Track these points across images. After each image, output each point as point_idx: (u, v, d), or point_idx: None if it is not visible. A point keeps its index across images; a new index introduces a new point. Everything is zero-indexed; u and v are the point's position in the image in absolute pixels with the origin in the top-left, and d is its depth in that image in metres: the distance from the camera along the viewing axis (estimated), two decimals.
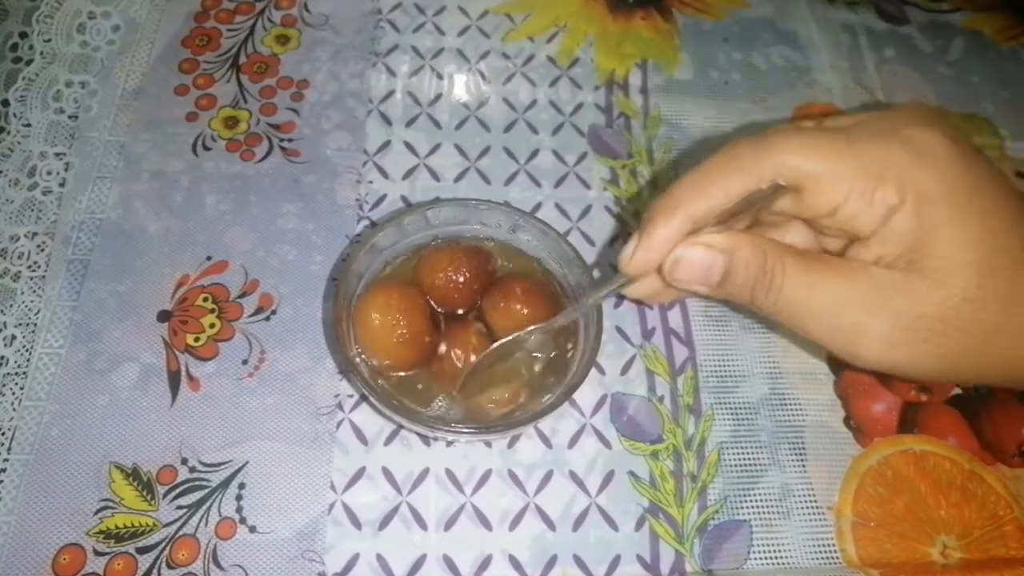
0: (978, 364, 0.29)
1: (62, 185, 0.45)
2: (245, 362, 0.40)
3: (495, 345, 0.36)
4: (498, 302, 0.37)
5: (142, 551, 0.35)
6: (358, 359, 0.36)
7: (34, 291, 0.41)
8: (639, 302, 0.44)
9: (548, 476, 0.39)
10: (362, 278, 0.38)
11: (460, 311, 0.39)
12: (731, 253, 0.29)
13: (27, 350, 0.39)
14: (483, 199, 0.41)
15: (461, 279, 0.37)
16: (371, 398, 0.35)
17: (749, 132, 0.52)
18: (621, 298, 0.44)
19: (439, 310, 0.39)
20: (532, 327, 0.36)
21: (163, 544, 0.35)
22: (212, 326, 0.41)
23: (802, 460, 0.41)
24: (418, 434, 0.39)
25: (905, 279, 0.28)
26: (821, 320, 0.29)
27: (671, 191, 0.30)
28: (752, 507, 0.39)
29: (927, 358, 0.28)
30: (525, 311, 0.36)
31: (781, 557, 0.38)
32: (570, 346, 0.37)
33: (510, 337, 0.36)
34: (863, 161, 0.28)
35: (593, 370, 0.41)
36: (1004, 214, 0.28)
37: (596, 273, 0.45)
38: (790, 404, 0.43)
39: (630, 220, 0.47)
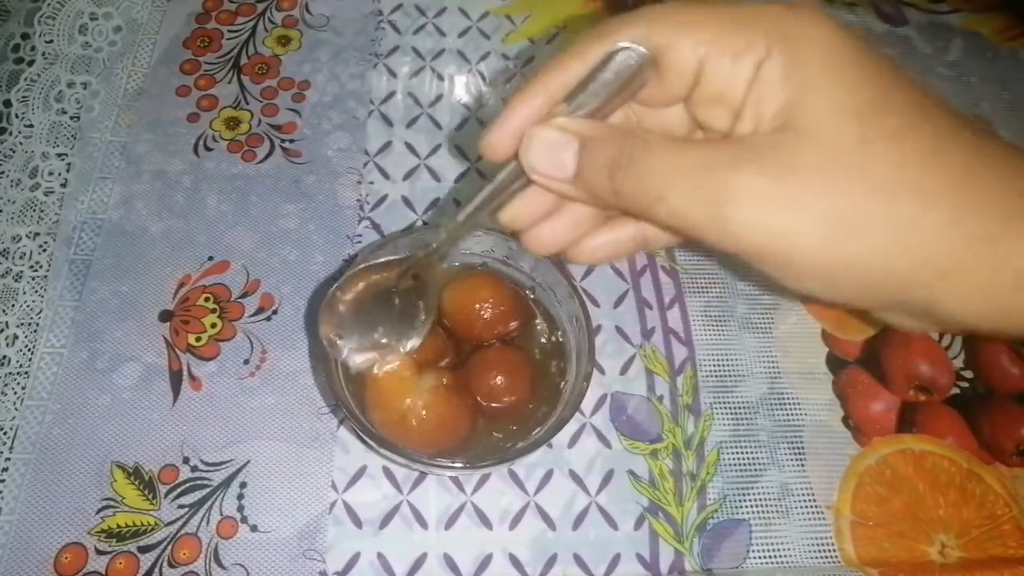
0: (875, 244, 0.23)
1: (64, 185, 0.45)
2: (246, 362, 0.40)
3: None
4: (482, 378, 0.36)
5: (144, 550, 0.35)
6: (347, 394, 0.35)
7: (36, 291, 0.41)
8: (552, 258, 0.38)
9: (548, 475, 0.39)
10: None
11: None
12: (585, 134, 0.26)
13: (29, 350, 0.40)
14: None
15: (487, 314, 0.37)
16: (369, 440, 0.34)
17: None
18: (500, 234, 0.39)
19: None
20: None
21: (165, 543, 0.36)
22: (213, 326, 0.41)
23: (801, 459, 0.41)
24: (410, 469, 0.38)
25: (779, 136, 0.24)
26: (682, 188, 0.24)
27: (534, 71, 0.27)
28: (751, 506, 0.39)
29: (809, 222, 0.23)
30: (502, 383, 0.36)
31: (780, 556, 0.38)
32: (563, 377, 0.37)
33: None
34: (723, 18, 0.25)
35: (593, 369, 0.41)
36: (885, 70, 0.24)
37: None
38: (789, 403, 0.43)
39: None
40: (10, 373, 0.39)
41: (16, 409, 0.38)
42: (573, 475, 0.39)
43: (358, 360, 0.34)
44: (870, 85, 0.24)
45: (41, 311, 0.41)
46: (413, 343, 0.34)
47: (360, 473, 0.38)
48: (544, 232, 0.29)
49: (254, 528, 0.36)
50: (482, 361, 0.37)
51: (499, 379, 0.36)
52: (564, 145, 0.26)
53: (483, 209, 0.29)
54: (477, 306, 0.37)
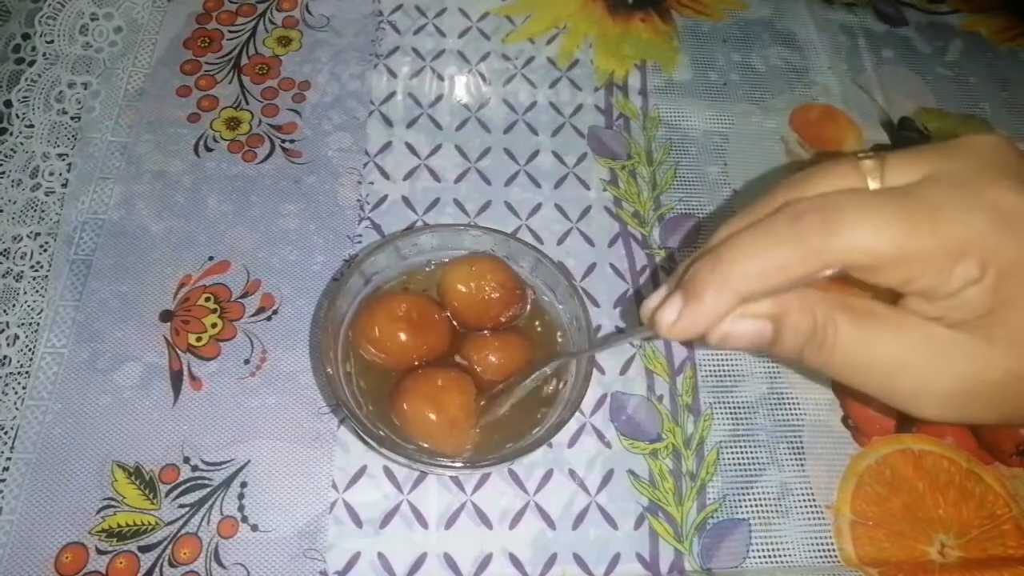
0: None
1: (64, 186, 0.45)
2: (247, 362, 0.40)
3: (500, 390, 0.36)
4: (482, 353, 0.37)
5: (144, 550, 0.35)
6: (350, 394, 0.35)
7: (37, 291, 0.41)
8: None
9: (548, 475, 0.39)
10: (349, 309, 0.38)
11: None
12: (779, 321, 0.27)
13: (30, 350, 0.40)
14: (464, 223, 0.41)
15: (495, 295, 0.37)
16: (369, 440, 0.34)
17: (748, 133, 0.53)
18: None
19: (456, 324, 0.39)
20: (525, 378, 0.35)
21: (165, 543, 0.36)
22: (214, 326, 0.41)
23: (800, 459, 0.41)
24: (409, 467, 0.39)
25: (971, 342, 0.26)
26: (878, 378, 0.27)
27: (721, 256, 0.26)
28: (751, 506, 0.40)
29: (985, 413, 0.28)
30: (502, 360, 0.37)
31: (779, 556, 0.39)
32: (562, 383, 0.38)
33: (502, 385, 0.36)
34: (943, 236, 0.25)
35: (593, 369, 0.41)
36: None
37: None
38: (788, 403, 0.43)
39: (629, 220, 0.48)
40: (11, 373, 0.39)
41: (17, 409, 0.38)
42: (573, 475, 0.39)
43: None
44: None
45: (42, 311, 0.41)
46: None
47: (360, 473, 0.38)
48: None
49: (254, 528, 0.36)
50: (481, 339, 0.37)
51: (494, 358, 0.36)
52: (760, 331, 0.27)
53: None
54: (481, 286, 0.37)
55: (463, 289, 0.38)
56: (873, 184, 0.27)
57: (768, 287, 0.26)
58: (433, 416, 0.34)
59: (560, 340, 0.39)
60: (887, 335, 0.27)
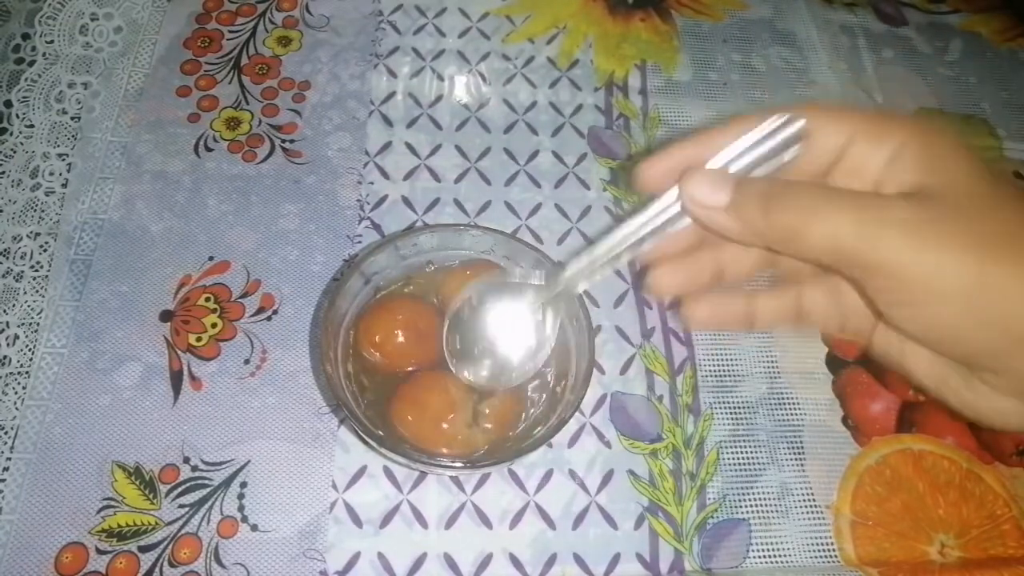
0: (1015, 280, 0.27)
1: (64, 186, 0.45)
2: (247, 361, 0.40)
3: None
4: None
5: (144, 550, 0.35)
6: (348, 393, 0.35)
7: (37, 291, 0.41)
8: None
9: (548, 475, 0.39)
10: (348, 312, 0.38)
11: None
12: (740, 178, 0.30)
13: (30, 349, 0.40)
14: (462, 223, 0.41)
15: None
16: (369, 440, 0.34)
17: None
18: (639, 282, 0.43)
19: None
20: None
21: (165, 543, 0.36)
22: (214, 326, 0.41)
23: (800, 459, 0.41)
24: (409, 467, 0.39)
25: (921, 196, 0.28)
26: (834, 210, 0.28)
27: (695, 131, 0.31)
28: (751, 506, 0.40)
29: (954, 251, 0.27)
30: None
31: (779, 556, 0.39)
32: (563, 377, 0.37)
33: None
34: (868, 114, 0.29)
35: (593, 369, 0.41)
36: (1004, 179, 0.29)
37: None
38: (788, 403, 0.43)
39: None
40: (11, 373, 0.39)
41: (17, 409, 0.38)
42: (573, 475, 0.39)
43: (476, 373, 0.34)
44: (992, 179, 0.28)
45: (42, 311, 0.41)
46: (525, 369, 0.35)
47: (360, 473, 0.38)
48: (666, 274, 0.32)
49: (254, 528, 0.36)
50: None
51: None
52: (722, 180, 0.30)
53: (626, 245, 0.31)
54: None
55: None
56: None
57: (724, 131, 0.30)
58: (411, 417, 0.35)
59: (561, 339, 0.38)
60: (848, 192, 0.29)
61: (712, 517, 0.39)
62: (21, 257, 0.42)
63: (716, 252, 0.33)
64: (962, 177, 0.28)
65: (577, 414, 0.41)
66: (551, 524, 0.38)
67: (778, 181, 0.29)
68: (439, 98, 0.51)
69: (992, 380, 0.29)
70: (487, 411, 0.36)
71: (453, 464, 0.34)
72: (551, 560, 0.37)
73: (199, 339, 0.41)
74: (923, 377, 0.31)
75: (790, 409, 0.43)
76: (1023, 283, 0.26)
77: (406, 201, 0.47)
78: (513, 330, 0.35)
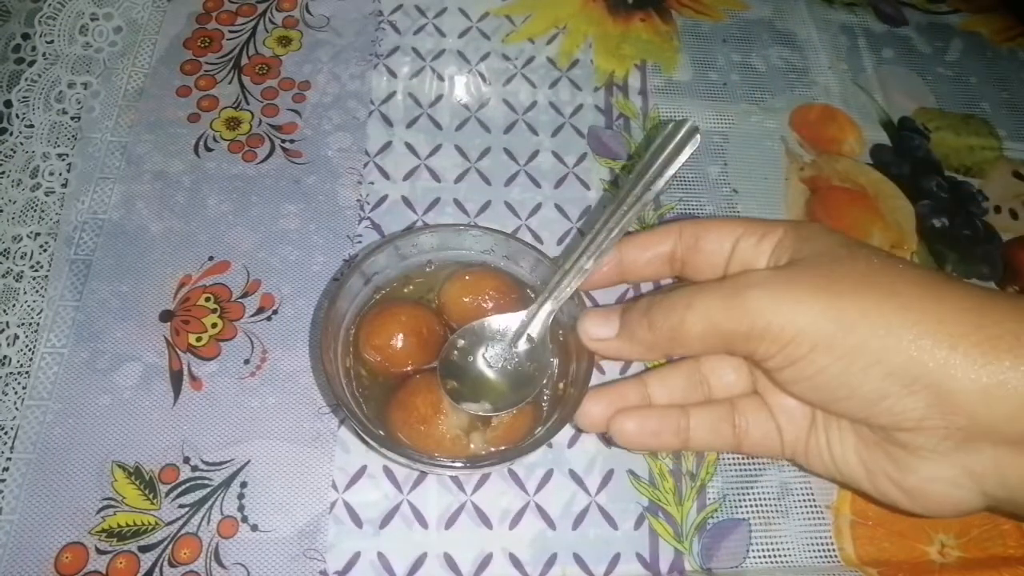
0: (865, 314, 0.30)
1: (64, 186, 0.45)
2: (247, 361, 0.40)
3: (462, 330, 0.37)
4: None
5: (144, 550, 0.35)
6: (348, 392, 0.36)
7: (37, 291, 0.41)
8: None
9: (548, 475, 0.39)
10: (348, 313, 0.38)
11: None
12: (624, 307, 0.35)
13: (30, 350, 0.40)
14: (462, 224, 0.42)
15: (489, 304, 0.38)
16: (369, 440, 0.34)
17: (748, 133, 0.53)
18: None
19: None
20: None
21: (165, 543, 0.36)
22: (214, 326, 0.41)
23: None
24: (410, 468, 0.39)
25: (787, 264, 0.32)
26: (706, 293, 0.32)
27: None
28: (751, 506, 0.40)
29: (813, 303, 0.30)
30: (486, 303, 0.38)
31: (779, 555, 0.38)
32: (563, 376, 0.38)
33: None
34: (754, 220, 0.35)
35: (593, 369, 0.41)
36: (865, 246, 0.33)
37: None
38: None
39: None
40: (11, 373, 0.39)
41: (17, 409, 0.38)
42: (573, 475, 0.39)
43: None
44: (853, 245, 0.32)
45: (42, 311, 0.41)
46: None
47: (360, 473, 0.38)
48: (594, 406, 0.36)
49: (255, 528, 0.36)
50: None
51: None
52: (609, 313, 0.35)
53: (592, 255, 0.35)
54: (480, 298, 0.38)
55: (463, 301, 0.38)
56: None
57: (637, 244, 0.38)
58: (402, 419, 0.35)
59: (561, 338, 0.39)
60: (717, 282, 0.33)
61: (712, 517, 0.39)
62: (21, 257, 0.42)
63: (641, 385, 0.38)
64: (823, 247, 0.31)
65: None
66: (551, 524, 0.38)
67: (656, 295, 0.33)
68: (439, 98, 0.51)
69: (917, 442, 0.30)
70: (497, 427, 0.36)
71: (453, 464, 0.34)
72: (551, 560, 0.37)
73: (199, 339, 0.41)
74: (860, 478, 0.34)
75: None
76: (884, 317, 0.29)
77: (406, 201, 0.47)
78: (506, 364, 0.36)
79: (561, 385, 0.38)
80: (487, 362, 0.37)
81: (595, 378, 0.42)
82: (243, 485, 0.37)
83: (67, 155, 0.46)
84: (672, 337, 0.32)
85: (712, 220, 0.36)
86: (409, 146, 0.49)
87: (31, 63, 0.49)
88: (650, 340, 0.33)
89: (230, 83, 0.50)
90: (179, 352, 0.40)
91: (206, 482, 0.37)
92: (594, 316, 0.35)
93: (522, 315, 0.36)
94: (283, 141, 0.48)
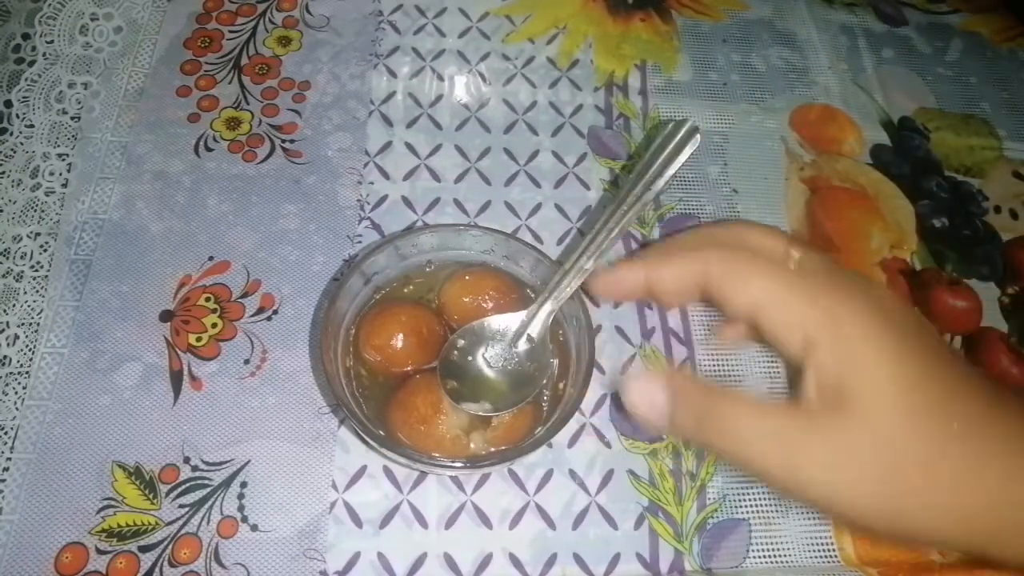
0: (926, 507, 0.28)
1: (64, 186, 0.45)
2: (247, 362, 0.40)
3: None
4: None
5: (144, 549, 0.35)
6: (349, 393, 0.36)
7: (37, 291, 0.41)
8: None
9: (548, 475, 0.39)
10: (348, 312, 0.38)
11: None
12: (676, 386, 0.31)
13: (30, 350, 0.40)
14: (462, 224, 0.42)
15: (489, 304, 0.38)
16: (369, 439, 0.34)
17: (748, 133, 0.53)
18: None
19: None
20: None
21: (165, 543, 0.36)
22: (214, 326, 0.41)
23: None
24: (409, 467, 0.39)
25: (838, 415, 0.28)
26: (760, 449, 0.29)
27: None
28: (751, 506, 0.39)
29: (870, 487, 0.28)
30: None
31: (779, 555, 0.38)
32: (563, 376, 0.38)
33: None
34: (777, 285, 0.29)
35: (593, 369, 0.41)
36: (927, 343, 0.28)
37: None
38: None
39: None
40: (11, 373, 0.39)
41: (17, 409, 0.38)
42: (573, 475, 0.39)
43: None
44: (913, 360, 0.27)
45: (42, 311, 0.41)
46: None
47: (360, 473, 0.38)
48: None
49: (254, 528, 0.36)
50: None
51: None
52: (659, 395, 0.31)
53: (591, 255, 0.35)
54: (481, 297, 0.38)
55: (463, 301, 0.38)
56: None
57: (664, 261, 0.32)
58: (402, 419, 0.35)
59: (561, 338, 0.39)
60: (775, 414, 0.29)
61: (712, 517, 0.39)
62: (21, 257, 0.42)
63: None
64: (879, 366, 0.27)
65: (577, 414, 0.41)
66: (551, 524, 0.38)
67: (709, 399, 0.30)
68: (439, 98, 0.51)
69: None
70: (497, 427, 0.36)
71: (453, 464, 0.34)
72: (551, 560, 0.37)
73: (199, 339, 0.41)
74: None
75: None
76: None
77: (406, 201, 0.47)
78: (506, 364, 0.36)
79: (561, 385, 0.38)
80: (487, 362, 0.37)
81: (595, 378, 0.42)
82: (243, 485, 0.37)
83: (67, 155, 0.46)
84: (717, 453, 0.30)
85: (751, 269, 0.31)
86: (409, 146, 0.49)
87: (31, 63, 0.49)
88: (692, 440, 0.33)
89: (230, 83, 0.50)
90: (179, 352, 0.40)
91: (206, 482, 0.37)
92: (641, 391, 0.32)
93: (522, 315, 0.36)
94: (283, 141, 0.48)
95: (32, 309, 0.41)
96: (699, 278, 0.32)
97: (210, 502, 0.37)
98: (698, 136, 0.33)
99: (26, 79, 0.48)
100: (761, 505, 0.40)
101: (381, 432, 0.34)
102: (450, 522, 0.38)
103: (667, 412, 0.31)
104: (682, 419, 0.31)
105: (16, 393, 0.38)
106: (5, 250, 0.42)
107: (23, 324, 0.40)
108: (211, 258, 0.43)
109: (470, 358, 0.37)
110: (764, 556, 0.38)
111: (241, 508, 0.37)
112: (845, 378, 0.28)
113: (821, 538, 0.39)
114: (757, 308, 0.29)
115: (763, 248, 0.32)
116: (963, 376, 0.28)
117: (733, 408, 0.29)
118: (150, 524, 0.36)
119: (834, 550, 0.39)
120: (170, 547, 0.35)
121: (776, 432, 0.28)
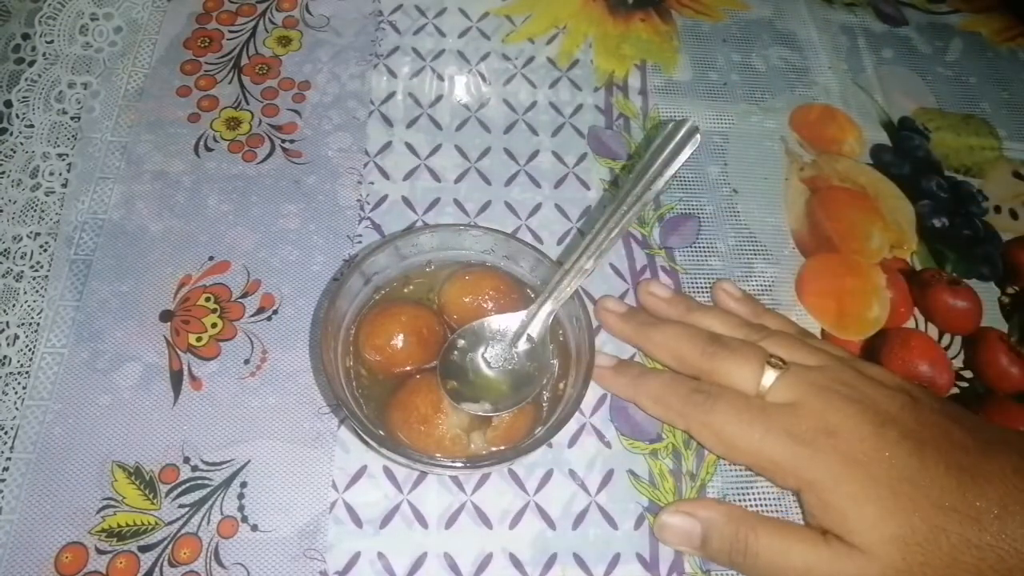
0: None
1: (64, 186, 0.45)
2: (247, 362, 0.40)
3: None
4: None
5: (144, 549, 0.35)
6: (350, 393, 0.36)
7: (37, 291, 0.41)
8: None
9: (548, 475, 0.39)
10: (349, 311, 0.38)
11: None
12: (709, 524, 0.36)
13: (30, 350, 0.40)
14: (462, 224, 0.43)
15: (489, 304, 0.38)
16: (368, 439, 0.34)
17: (748, 133, 0.53)
18: None
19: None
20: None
21: (165, 543, 0.36)
22: (214, 326, 0.41)
23: None
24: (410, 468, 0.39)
25: (851, 551, 0.33)
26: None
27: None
28: (750, 506, 0.39)
29: None
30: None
31: None
32: (563, 376, 0.38)
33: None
34: (763, 461, 0.36)
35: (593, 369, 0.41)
36: (925, 483, 0.33)
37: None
38: None
39: None
40: (11, 373, 0.39)
41: (17, 409, 0.38)
42: (573, 475, 0.39)
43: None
44: (897, 506, 0.33)
45: (42, 311, 0.41)
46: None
47: (360, 473, 0.38)
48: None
49: (255, 528, 0.36)
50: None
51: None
52: (691, 529, 0.37)
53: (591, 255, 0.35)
54: (481, 297, 0.38)
55: (463, 301, 0.38)
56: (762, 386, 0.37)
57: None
58: (402, 419, 0.35)
59: (561, 338, 0.39)
60: (799, 545, 0.34)
61: None
62: (21, 257, 0.42)
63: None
64: (865, 520, 0.32)
65: (577, 414, 0.41)
66: (551, 524, 0.38)
67: (740, 530, 0.35)
68: (439, 98, 0.51)
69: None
70: (497, 427, 0.36)
71: (453, 464, 0.34)
72: (551, 560, 0.37)
73: (199, 339, 0.41)
74: None
75: None
76: None
77: (406, 201, 0.47)
78: (506, 364, 0.36)
79: (561, 385, 0.38)
80: (487, 362, 0.37)
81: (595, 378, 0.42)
82: (243, 485, 0.37)
83: (67, 155, 0.46)
84: None
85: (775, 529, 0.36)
86: (409, 146, 0.49)
87: (31, 63, 0.49)
88: (718, 562, 0.37)
89: (230, 83, 0.50)
90: (179, 352, 0.40)
91: (206, 482, 0.37)
92: (674, 530, 0.37)
93: (522, 315, 0.36)
94: (283, 141, 0.48)
95: (32, 309, 0.41)
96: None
97: (210, 502, 0.37)
98: (698, 136, 0.33)
99: (26, 79, 0.48)
100: (761, 505, 0.40)
101: (381, 432, 0.34)
102: (450, 522, 0.38)
103: (700, 545, 0.36)
104: (714, 551, 0.36)
105: (16, 393, 0.39)
106: (5, 250, 0.42)
107: (23, 324, 0.40)
108: (211, 258, 0.43)
109: (470, 358, 0.37)
110: None
111: (241, 508, 0.37)
112: (838, 519, 0.33)
113: None
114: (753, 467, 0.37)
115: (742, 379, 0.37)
116: (957, 481, 0.32)
117: (759, 537, 0.35)
118: (150, 524, 0.36)
119: None
120: (170, 547, 0.35)
121: (805, 567, 0.33)
